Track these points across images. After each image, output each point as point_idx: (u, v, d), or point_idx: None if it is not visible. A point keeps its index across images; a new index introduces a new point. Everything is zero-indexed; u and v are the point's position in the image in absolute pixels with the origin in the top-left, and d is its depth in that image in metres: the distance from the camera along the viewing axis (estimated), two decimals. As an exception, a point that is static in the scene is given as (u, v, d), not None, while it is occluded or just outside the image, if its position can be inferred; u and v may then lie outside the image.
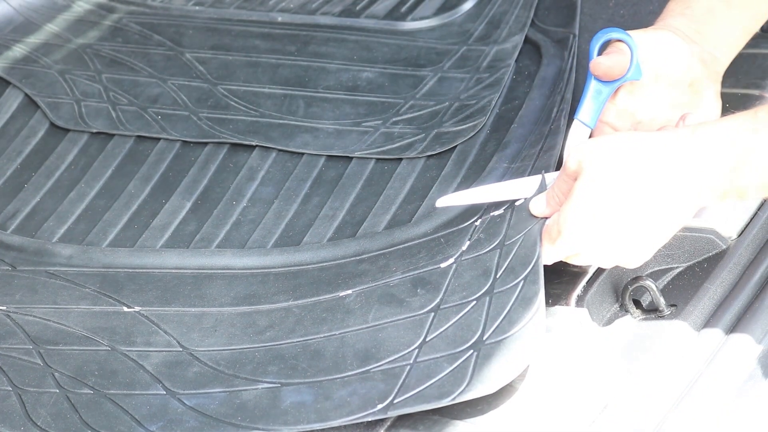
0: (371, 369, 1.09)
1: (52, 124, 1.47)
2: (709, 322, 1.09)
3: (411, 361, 1.08)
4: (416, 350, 1.08)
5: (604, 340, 1.08)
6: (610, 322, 1.11)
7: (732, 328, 1.09)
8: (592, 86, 1.17)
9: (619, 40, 1.16)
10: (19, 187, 1.40)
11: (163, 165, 1.40)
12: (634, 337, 1.08)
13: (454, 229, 1.21)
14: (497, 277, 1.11)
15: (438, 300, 1.13)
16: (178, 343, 1.16)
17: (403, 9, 1.56)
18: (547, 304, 1.11)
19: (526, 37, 1.48)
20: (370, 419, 1.04)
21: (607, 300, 1.12)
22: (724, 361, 1.06)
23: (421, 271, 1.17)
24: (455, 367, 1.05)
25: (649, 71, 1.15)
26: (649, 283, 1.09)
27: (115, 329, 1.17)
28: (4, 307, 1.21)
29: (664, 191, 1.02)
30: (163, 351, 1.15)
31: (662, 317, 1.09)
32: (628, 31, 1.16)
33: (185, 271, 1.25)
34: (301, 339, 1.14)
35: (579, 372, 1.05)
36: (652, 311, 1.10)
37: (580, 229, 1.04)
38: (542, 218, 1.11)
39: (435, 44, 1.50)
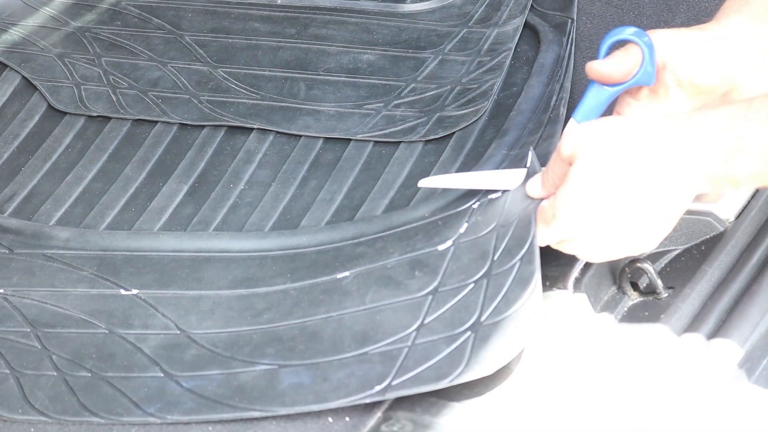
0: (369, 351, 1.09)
1: (50, 107, 1.48)
2: (706, 304, 1.09)
3: (409, 344, 1.08)
4: (414, 332, 1.09)
5: (601, 323, 1.09)
6: (607, 304, 1.11)
7: (729, 311, 1.09)
8: (594, 87, 1.15)
9: (631, 41, 1.12)
10: (16, 170, 1.40)
11: (160, 148, 1.40)
12: (631, 320, 1.09)
13: (452, 212, 1.21)
14: (494, 259, 1.11)
15: (436, 283, 1.13)
16: (176, 325, 1.16)
17: (403, -10, 1.57)
18: (545, 287, 1.12)
19: (525, 21, 1.49)
20: (368, 401, 1.04)
21: (604, 282, 1.12)
22: (721, 343, 1.06)
23: (419, 253, 1.17)
24: (453, 349, 1.05)
25: (670, 76, 1.11)
26: (646, 265, 1.10)
27: (112, 312, 1.18)
28: (2, 290, 1.22)
29: (657, 177, 1.02)
30: (161, 334, 1.15)
31: (659, 299, 1.10)
32: (654, 30, 1.13)
33: (183, 254, 1.25)
34: (299, 321, 1.14)
35: (575, 355, 1.06)
36: (649, 293, 1.10)
37: (575, 213, 1.04)
38: (537, 199, 1.11)
39: (435, 26, 1.50)
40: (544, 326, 1.09)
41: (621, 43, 1.13)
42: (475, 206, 1.20)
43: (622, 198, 1.03)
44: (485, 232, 1.15)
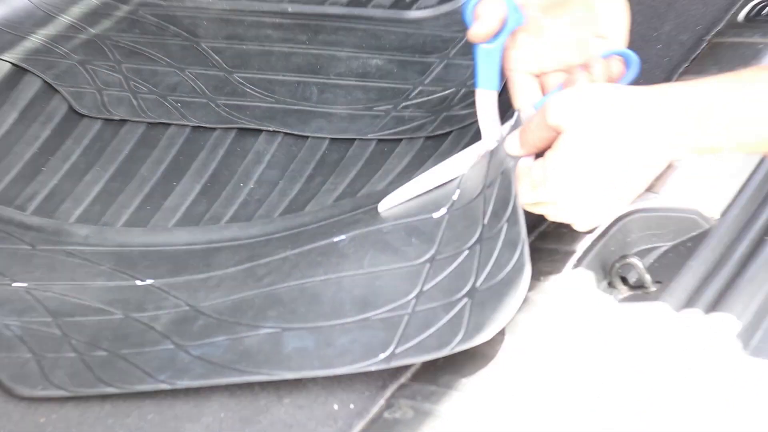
0: (370, 317, 1.09)
1: (69, 111, 1.48)
2: (692, 298, 1.09)
3: (409, 311, 1.08)
4: (414, 300, 1.09)
5: (592, 315, 1.09)
6: (598, 298, 1.10)
7: (714, 305, 1.09)
8: (479, 51, 1.16)
9: None
10: (37, 170, 1.40)
11: (173, 149, 1.41)
12: (621, 313, 1.09)
13: (445, 182, 1.21)
14: (485, 224, 1.12)
15: (433, 251, 1.13)
16: (185, 303, 1.17)
17: (408, -1, 1.58)
18: (539, 280, 1.11)
19: None
20: (373, 369, 1.05)
21: (595, 276, 1.11)
22: (706, 336, 1.06)
23: (414, 219, 1.17)
24: (452, 317, 1.06)
25: (533, 7, 1.15)
26: (635, 261, 1.11)
27: (128, 300, 1.19)
28: (25, 284, 1.22)
29: (640, 145, 1.03)
30: (171, 312, 1.16)
31: (648, 293, 1.10)
32: None
33: (195, 246, 1.27)
34: (298, 282, 1.14)
35: (568, 345, 1.06)
36: (638, 288, 1.11)
37: (565, 179, 1.05)
38: (517, 157, 1.11)
39: (440, 32, 1.51)
40: (541, 316, 1.08)
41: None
42: (465, 172, 1.19)
43: (609, 165, 1.04)
44: (474, 196, 1.15)
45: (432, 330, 1.05)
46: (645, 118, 1.02)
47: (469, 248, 1.10)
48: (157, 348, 1.12)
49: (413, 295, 1.09)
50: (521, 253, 1.06)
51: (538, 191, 1.07)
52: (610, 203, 1.08)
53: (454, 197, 1.17)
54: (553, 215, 1.10)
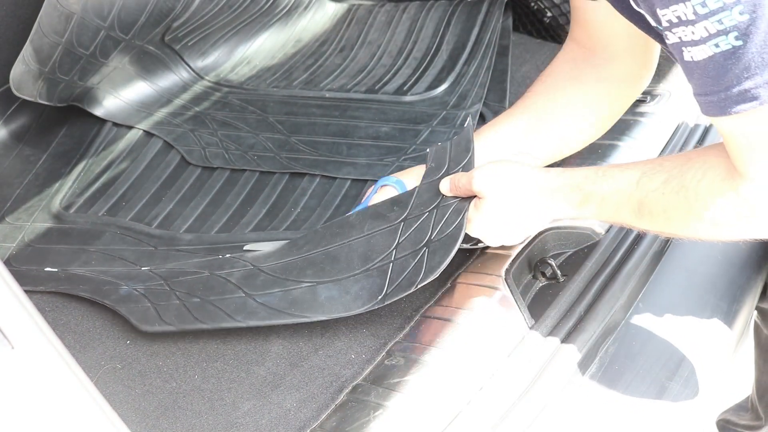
0: (370, 267, 1.06)
1: (182, 160, 1.47)
2: (587, 286, 1.10)
3: (392, 259, 1.05)
4: (393, 251, 1.06)
5: (520, 300, 1.07)
6: (525, 286, 1.12)
7: (602, 291, 1.09)
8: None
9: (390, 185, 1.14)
10: (159, 200, 1.41)
11: (248, 186, 1.41)
12: (541, 296, 1.10)
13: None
14: (443, 195, 1.08)
15: (406, 213, 1.09)
16: (251, 264, 1.14)
17: (405, 87, 1.57)
18: (485, 273, 1.11)
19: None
20: (375, 308, 1.03)
21: (524, 271, 1.13)
22: (597, 311, 1.07)
23: (396, 194, 1.13)
24: (417, 261, 1.03)
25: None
26: (551, 261, 1.12)
27: (212, 265, 1.18)
28: (148, 268, 1.23)
29: (535, 211, 1.03)
30: (241, 270, 1.14)
31: (559, 282, 1.11)
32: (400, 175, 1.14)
33: (261, 241, 1.25)
34: (324, 249, 1.11)
35: (497, 326, 1.05)
36: (552, 279, 1.12)
37: (484, 228, 1.06)
38: (446, 196, 1.07)
39: (426, 109, 1.51)
40: (487, 305, 1.06)
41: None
42: (429, 150, 1.14)
43: (512, 222, 1.04)
44: (438, 176, 1.10)
45: (405, 273, 1.03)
46: (540, 194, 1.01)
47: (429, 211, 1.07)
48: (234, 296, 1.09)
49: (393, 247, 1.06)
50: (462, 218, 1.04)
51: (468, 226, 1.06)
52: (511, 239, 1.08)
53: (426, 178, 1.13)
54: (481, 238, 1.09)
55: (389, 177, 1.16)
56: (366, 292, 1.04)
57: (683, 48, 0.81)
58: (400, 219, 1.08)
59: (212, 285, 1.13)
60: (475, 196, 1.05)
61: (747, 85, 0.79)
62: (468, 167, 1.09)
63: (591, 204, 0.98)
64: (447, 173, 1.09)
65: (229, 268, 1.14)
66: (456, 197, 1.06)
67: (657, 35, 0.94)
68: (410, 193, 1.11)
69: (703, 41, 0.79)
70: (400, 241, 1.06)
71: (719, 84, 0.80)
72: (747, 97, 0.79)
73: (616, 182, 0.95)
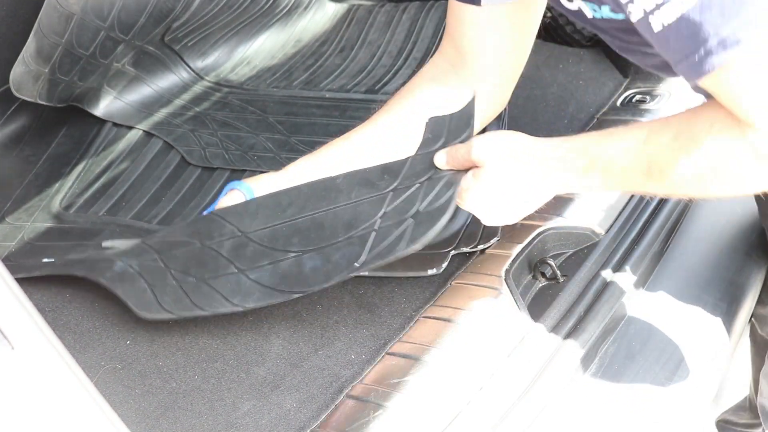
0: (353, 235, 1.02)
1: (182, 161, 1.47)
2: (587, 286, 1.10)
3: (376, 228, 1.01)
4: (378, 219, 1.02)
5: (520, 301, 1.07)
6: (526, 286, 1.11)
7: (602, 291, 1.10)
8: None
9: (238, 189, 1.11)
10: (158, 200, 1.41)
11: None
12: (541, 296, 1.10)
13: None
14: (436, 167, 1.03)
15: (396, 183, 1.04)
16: (238, 229, 1.09)
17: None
18: (485, 273, 1.10)
19: None
20: (352, 275, 1.00)
21: (524, 272, 1.13)
22: (597, 311, 1.07)
23: (388, 161, 1.07)
24: (399, 231, 1.00)
25: None
26: (550, 261, 1.12)
27: (200, 231, 1.12)
28: (140, 239, 1.18)
29: (537, 181, 0.96)
30: (230, 239, 1.09)
31: (559, 283, 1.11)
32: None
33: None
34: (310, 214, 1.06)
35: (500, 325, 1.04)
36: (552, 279, 1.11)
37: (480, 201, 1.00)
38: (442, 169, 1.02)
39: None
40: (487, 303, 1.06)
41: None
42: (427, 122, 1.08)
43: (510, 192, 0.98)
44: (435, 147, 1.05)
45: (386, 242, 1.00)
46: (541, 164, 0.96)
47: (420, 182, 1.03)
48: (227, 273, 1.06)
49: (378, 215, 1.02)
50: (453, 192, 0.99)
51: (463, 198, 1.00)
52: (507, 216, 1.01)
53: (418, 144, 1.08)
54: (474, 213, 1.03)
55: (241, 182, 1.12)
56: (345, 260, 1.01)
57: (650, 18, 0.77)
58: (390, 188, 1.04)
59: (205, 260, 1.09)
60: (471, 169, 1.00)
61: (725, 31, 0.74)
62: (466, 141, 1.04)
63: (596, 169, 0.92)
64: (444, 146, 1.05)
65: (218, 237, 1.10)
66: (450, 170, 1.02)
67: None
68: (402, 162, 1.06)
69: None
70: (387, 210, 1.02)
71: (697, 39, 0.75)
72: (728, 42, 0.74)
73: (623, 141, 0.90)
